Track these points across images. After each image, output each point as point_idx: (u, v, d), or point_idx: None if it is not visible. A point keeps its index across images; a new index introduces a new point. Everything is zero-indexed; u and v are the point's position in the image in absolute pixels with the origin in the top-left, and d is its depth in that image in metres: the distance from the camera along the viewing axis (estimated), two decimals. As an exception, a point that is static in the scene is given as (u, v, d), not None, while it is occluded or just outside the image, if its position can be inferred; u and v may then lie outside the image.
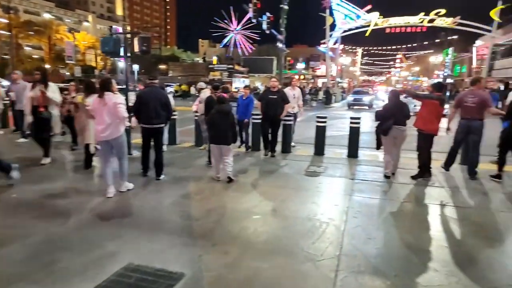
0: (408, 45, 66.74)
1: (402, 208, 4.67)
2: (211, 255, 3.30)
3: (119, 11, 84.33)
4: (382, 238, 3.73)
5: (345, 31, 32.38)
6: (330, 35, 32.54)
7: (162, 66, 52.40)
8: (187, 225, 3.99)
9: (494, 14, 26.91)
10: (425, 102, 6.06)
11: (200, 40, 79.31)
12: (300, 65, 48.62)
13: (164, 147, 8.58)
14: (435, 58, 56.50)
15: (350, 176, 6.22)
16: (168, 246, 3.46)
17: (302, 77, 33.01)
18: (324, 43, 32.93)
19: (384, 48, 71.97)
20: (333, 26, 32.63)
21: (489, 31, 27.65)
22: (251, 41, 37.52)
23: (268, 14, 21.69)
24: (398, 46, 71.18)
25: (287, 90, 8.31)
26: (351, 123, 7.96)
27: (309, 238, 3.68)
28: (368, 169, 6.75)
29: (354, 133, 7.89)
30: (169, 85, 33.19)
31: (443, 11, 27.49)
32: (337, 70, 56.09)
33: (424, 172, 6.09)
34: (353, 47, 67.15)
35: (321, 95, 31.50)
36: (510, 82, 30.45)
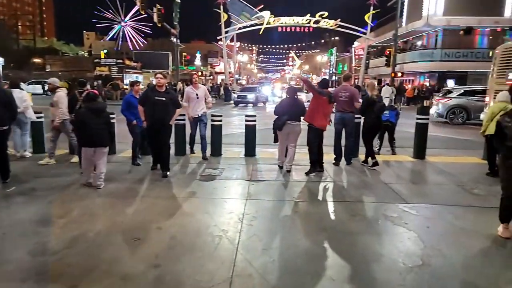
0: (299, 44, 71.63)
1: (298, 209, 4.49)
2: (66, 305, 2.51)
3: (-24, -6, 70.09)
4: (278, 247, 3.43)
5: (240, 29, 32.77)
6: (226, 32, 32.58)
7: (38, 60, 45.29)
8: (38, 263, 3.05)
9: (368, 18, 30.43)
10: (316, 96, 6.12)
11: (85, 32, 71.21)
12: (198, 61, 47.84)
13: (27, 154, 7.10)
14: (321, 58, 61.87)
15: (246, 178, 5.89)
16: (3, 301, 2.53)
17: (200, 73, 32.27)
18: (220, 39, 32.80)
19: (277, 46, 75.95)
20: (228, 23, 32.74)
21: (364, 33, 31.20)
22: (142, 35, 35.14)
23: (158, 6, 20.29)
24: (290, 45, 75.88)
25: (189, 89, 7.13)
26: (246, 121, 7.71)
27: (198, 260, 3.15)
28: (265, 168, 6.56)
29: (250, 131, 7.66)
30: (44, 82, 28.82)
31: (326, 13, 29.91)
32: (236, 67, 57.09)
33: (316, 167, 6.18)
34: (249, 45, 69.09)
35: (222, 91, 31.33)
36: (382, 79, 35.09)
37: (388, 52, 28.28)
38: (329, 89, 6.60)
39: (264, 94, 27.21)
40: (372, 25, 31.93)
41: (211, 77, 51.02)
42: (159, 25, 20.93)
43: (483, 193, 5.22)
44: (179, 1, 25.19)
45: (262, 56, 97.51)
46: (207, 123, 7.32)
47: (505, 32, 24.54)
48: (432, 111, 14.63)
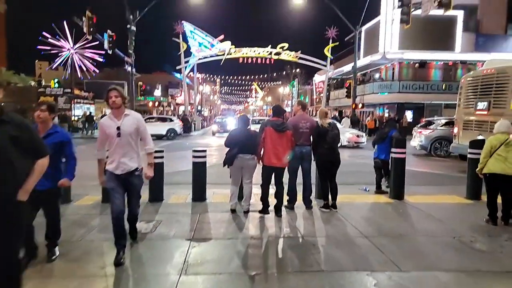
0: (261, 76, 72.43)
1: (253, 290, 3.11)
2: None
3: None
4: None
5: (200, 59, 32.00)
6: (186, 62, 31.63)
7: (-22, 90, 41.29)
8: None
9: (327, 51, 30.88)
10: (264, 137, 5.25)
11: (37, 61, 67.40)
12: (159, 92, 46.36)
13: None
14: (283, 89, 62.66)
15: (188, 235, 4.45)
16: None
17: (156, 103, 30.67)
18: (180, 69, 31.75)
19: (240, 78, 76.50)
20: (189, 53, 31.90)
21: (324, 65, 31.54)
22: (94, 63, 33.30)
23: (109, 32, 18.94)
24: (253, 77, 76.68)
25: (105, 120, 3.73)
26: (194, 157, 6.33)
27: None
28: (216, 218, 5.16)
29: (199, 170, 6.28)
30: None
31: (286, 45, 30.00)
32: (199, 98, 55.82)
33: (265, 207, 5.41)
34: (212, 76, 68.86)
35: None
36: (342, 110, 35.43)
37: (348, 84, 28.59)
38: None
39: (172, 127, 21.64)
40: (332, 58, 32.46)
41: (171, 107, 49.52)
42: (110, 52, 19.48)
43: (486, 249, 4.15)
44: (135, 29, 24.08)
45: (225, 87, 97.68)
46: (140, 188, 3.89)
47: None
48: (415, 143, 14.08)
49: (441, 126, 13.61)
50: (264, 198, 5.35)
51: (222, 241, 4.28)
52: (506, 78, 8.11)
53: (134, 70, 25.29)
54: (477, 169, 5.17)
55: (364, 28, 30.27)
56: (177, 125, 22.46)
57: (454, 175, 9.43)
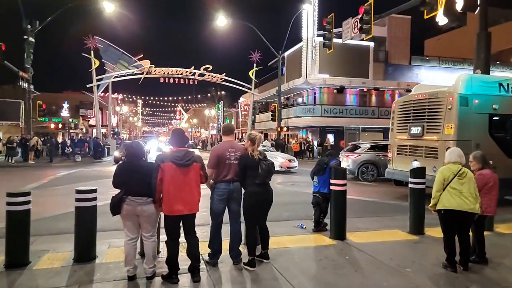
0: (186, 97, 70.36)
1: None
2: None
3: None
4: None
5: (116, 77, 29.19)
6: (100, 80, 28.52)
7: None
8: None
9: (252, 74, 30.68)
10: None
11: None
12: (66, 113, 41.53)
13: None
14: (209, 112, 61.41)
15: None
16: None
17: (60, 125, 26.74)
18: (92, 88, 28.45)
19: (163, 99, 73.44)
20: (103, 71, 28.88)
21: (250, 88, 31.22)
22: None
23: (-4, 41, 15.75)
24: (177, 98, 74.24)
25: None
26: (77, 200, 4.54)
27: None
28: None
29: (85, 219, 4.51)
30: None
31: (210, 67, 28.99)
32: (117, 119, 51.32)
33: (176, 272, 3.86)
34: (132, 96, 64.72)
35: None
36: (269, 133, 35.41)
37: (273, 108, 28.56)
38: (196, 149, 4.12)
39: None
40: (256, 81, 32.37)
41: (82, 130, 44.65)
42: (-3, 64, 16.19)
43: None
44: (33, 40, 20.86)
45: (147, 108, 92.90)
46: None
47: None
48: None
49: (367, 150, 13.47)
50: (171, 261, 3.82)
51: None
52: (438, 103, 7.93)
53: (32, 87, 21.74)
54: (430, 205, 4.42)
55: (286, 53, 30.97)
56: None
57: (388, 203, 9.01)
